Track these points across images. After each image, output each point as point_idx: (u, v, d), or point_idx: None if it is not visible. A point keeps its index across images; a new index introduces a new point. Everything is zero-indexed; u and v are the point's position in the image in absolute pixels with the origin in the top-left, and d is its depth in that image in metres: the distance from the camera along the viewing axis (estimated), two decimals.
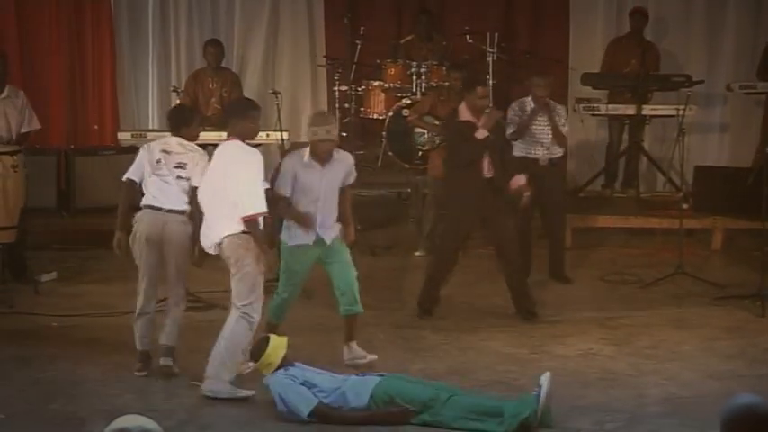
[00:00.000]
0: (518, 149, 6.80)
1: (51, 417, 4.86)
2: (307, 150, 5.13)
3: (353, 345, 5.40)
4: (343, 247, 5.33)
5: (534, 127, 6.76)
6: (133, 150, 8.06)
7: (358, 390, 4.75)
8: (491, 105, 6.37)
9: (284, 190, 5.20)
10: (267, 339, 4.89)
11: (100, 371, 5.36)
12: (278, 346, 4.83)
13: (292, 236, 5.28)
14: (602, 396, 5.06)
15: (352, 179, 5.36)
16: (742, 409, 2.47)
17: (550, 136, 6.76)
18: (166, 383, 5.21)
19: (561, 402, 4.90)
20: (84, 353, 5.62)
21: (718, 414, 2.50)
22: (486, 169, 6.05)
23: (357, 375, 4.93)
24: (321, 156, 5.13)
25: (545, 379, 4.66)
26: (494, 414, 4.64)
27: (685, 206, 7.16)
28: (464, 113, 6.11)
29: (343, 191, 5.33)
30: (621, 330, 6.05)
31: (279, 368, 4.77)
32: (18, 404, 4.99)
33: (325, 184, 5.17)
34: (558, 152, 6.83)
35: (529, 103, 6.77)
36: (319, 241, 5.26)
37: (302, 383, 4.75)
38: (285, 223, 5.31)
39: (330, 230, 5.28)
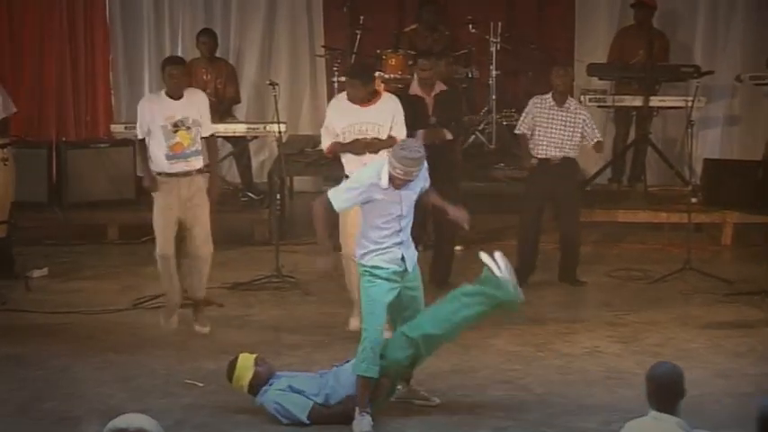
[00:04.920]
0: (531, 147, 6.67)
1: (44, 416, 4.82)
2: (385, 171, 4.66)
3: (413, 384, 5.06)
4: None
5: (549, 126, 6.58)
6: (127, 143, 8.07)
7: (341, 380, 4.70)
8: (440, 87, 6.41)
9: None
10: (235, 360, 4.84)
11: (93, 369, 5.34)
12: (244, 367, 4.79)
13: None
14: (609, 395, 5.02)
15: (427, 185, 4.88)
16: None
17: (566, 135, 6.57)
18: (161, 382, 5.13)
19: (567, 401, 4.89)
20: (78, 351, 5.58)
21: (754, 410, 2.56)
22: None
23: (333, 368, 4.83)
24: (396, 185, 4.75)
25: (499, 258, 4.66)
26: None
27: (694, 200, 7.07)
28: (415, 89, 6.38)
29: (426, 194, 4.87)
30: (628, 328, 5.99)
31: (263, 384, 4.75)
32: (10, 403, 4.94)
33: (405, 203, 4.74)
34: (572, 152, 6.64)
35: (548, 99, 6.62)
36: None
37: (289, 390, 4.72)
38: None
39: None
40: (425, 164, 4.74)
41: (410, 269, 4.73)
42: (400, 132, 5.59)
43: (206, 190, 5.71)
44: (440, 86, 6.39)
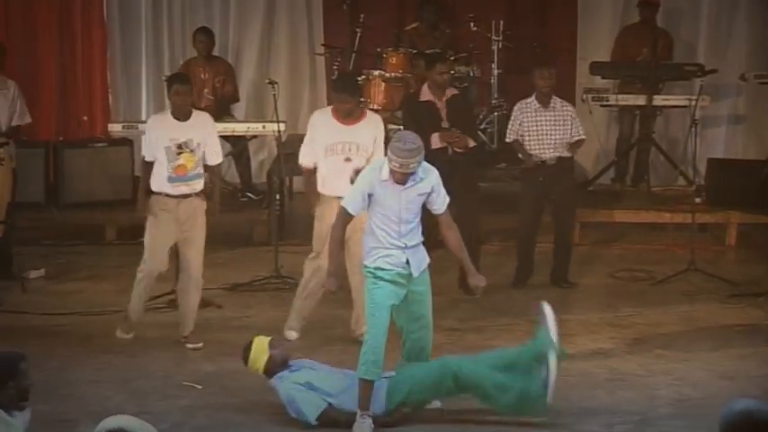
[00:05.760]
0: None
1: (41, 418, 4.63)
2: (386, 165, 4.66)
3: None
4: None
5: (538, 129, 6.51)
6: (124, 142, 8.03)
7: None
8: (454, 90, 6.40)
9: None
10: (250, 344, 4.84)
11: (91, 371, 5.31)
12: (259, 350, 4.78)
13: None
14: (612, 397, 4.99)
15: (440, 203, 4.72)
16: (740, 414, 2.48)
17: (558, 135, 6.49)
18: (159, 384, 5.11)
19: (569, 404, 4.83)
20: (75, 353, 5.56)
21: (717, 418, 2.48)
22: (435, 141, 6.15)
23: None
24: (396, 179, 4.70)
25: (546, 308, 4.62)
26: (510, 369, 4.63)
27: (698, 200, 7.06)
28: (425, 94, 6.30)
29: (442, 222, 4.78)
30: (631, 329, 5.96)
31: (279, 368, 4.72)
32: None
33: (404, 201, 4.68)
34: (567, 151, 6.58)
35: (532, 103, 6.53)
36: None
37: (307, 386, 4.68)
38: None
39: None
40: (435, 173, 4.67)
41: (416, 274, 4.67)
42: (380, 155, 5.46)
43: (205, 210, 5.62)
44: (451, 91, 6.32)
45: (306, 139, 5.70)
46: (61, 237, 7.59)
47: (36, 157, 7.67)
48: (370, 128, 5.54)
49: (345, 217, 4.71)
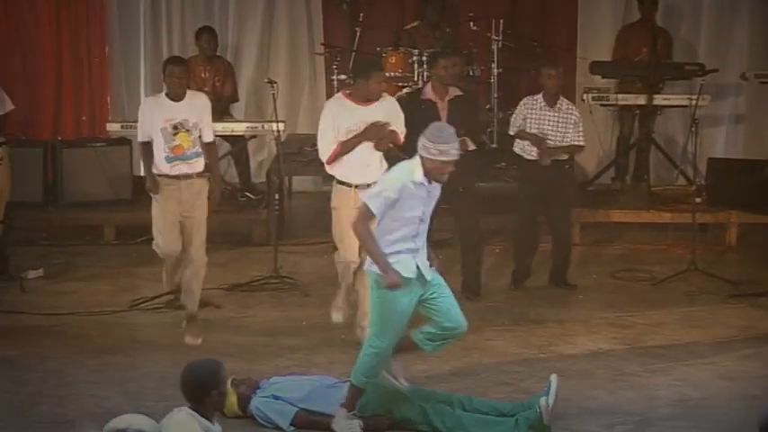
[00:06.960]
0: (519, 149, 6.54)
1: (38, 419, 4.79)
2: (418, 166, 4.42)
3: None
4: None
5: (540, 128, 6.46)
6: (123, 142, 8.00)
7: (333, 398, 4.70)
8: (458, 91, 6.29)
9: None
10: None
11: (89, 372, 5.31)
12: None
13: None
14: (612, 397, 4.99)
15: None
16: None
17: (558, 137, 6.44)
18: (157, 385, 5.08)
19: (569, 404, 4.83)
20: (73, 353, 5.55)
21: (756, 419, 2.57)
22: None
23: (341, 381, 4.82)
24: (437, 177, 4.48)
25: (553, 379, 4.61)
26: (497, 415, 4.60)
27: (698, 200, 7.03)
28: (428, 93, 6.18)
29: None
30: (632, 329, 5.95)
31: (249, 397, 4.76)
32: (3, 407, 4.91)
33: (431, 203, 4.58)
34: (562, 154, 6.53)
35: (539, 100, 6.50)
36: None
37: (273, 398, 4.75)
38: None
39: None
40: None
41: (428, 277, 4.51)
42: (403, 131, 5.48)
43: (207, 194, 5.68)
44: (454, 91, 6.18)
45: (323, 129, 5.44)
46: (60, 237, 7.54)
47: (34, 157, 7.65)
48: (389, 107, 5.45)
49: (369, 216, 4.44)
